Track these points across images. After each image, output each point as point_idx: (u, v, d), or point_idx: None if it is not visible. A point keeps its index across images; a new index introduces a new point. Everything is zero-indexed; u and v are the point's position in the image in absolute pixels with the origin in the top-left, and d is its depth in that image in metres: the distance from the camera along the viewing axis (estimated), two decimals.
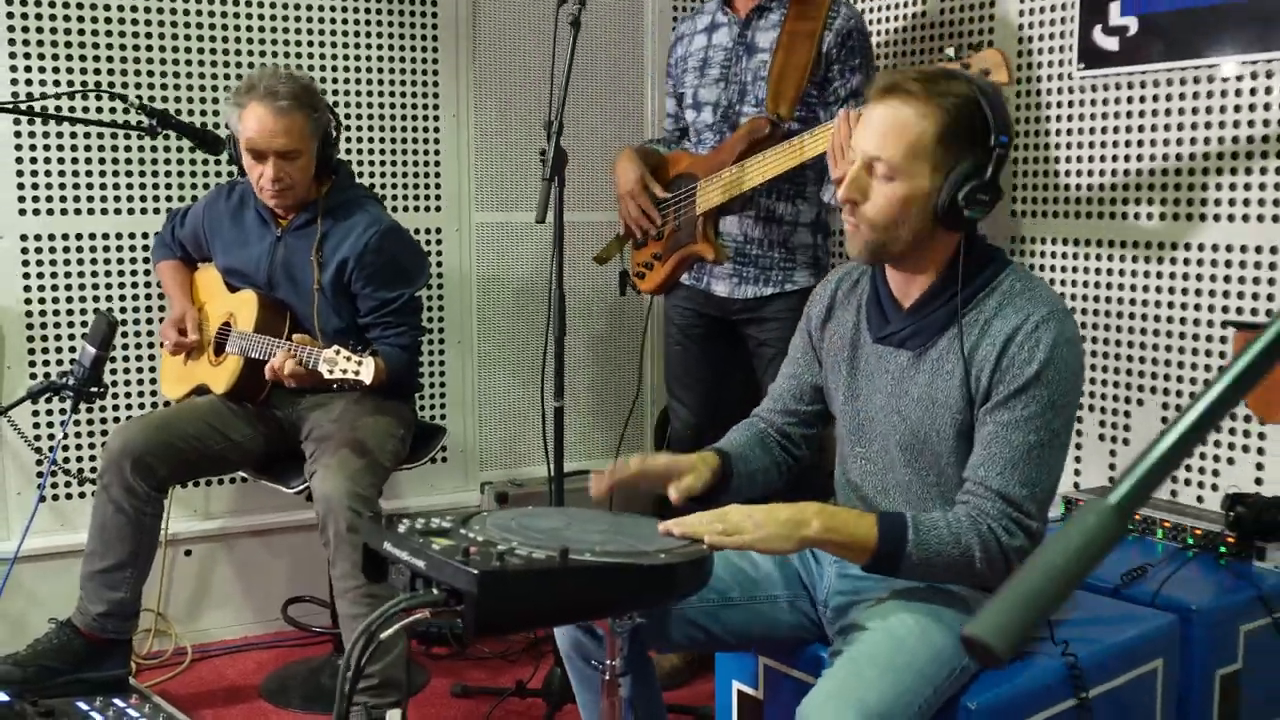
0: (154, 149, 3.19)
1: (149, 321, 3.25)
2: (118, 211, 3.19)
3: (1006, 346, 1.74)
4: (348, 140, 3.43)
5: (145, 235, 3.22)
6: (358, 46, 3.43)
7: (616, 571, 1.49)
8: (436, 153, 3.58)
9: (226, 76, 3.25)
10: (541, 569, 1.45)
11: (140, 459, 2.71)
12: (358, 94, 3.44)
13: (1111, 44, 2.85)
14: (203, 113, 3.23)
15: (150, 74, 3.18)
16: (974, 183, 1.75)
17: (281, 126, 2.71)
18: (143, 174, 3.20)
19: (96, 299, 3.18)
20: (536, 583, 1.45)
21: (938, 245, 1.83)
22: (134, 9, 3.15)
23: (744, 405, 3.21)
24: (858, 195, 1.79)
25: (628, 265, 3.23)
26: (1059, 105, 2.99)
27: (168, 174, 3.23)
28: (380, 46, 3.46)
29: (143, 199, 3.21)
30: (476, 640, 3.21)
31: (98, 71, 3.12)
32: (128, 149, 3.17)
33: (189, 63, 3.22)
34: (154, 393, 3.26)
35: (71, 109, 3.09)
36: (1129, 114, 2.84)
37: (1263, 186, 2.59)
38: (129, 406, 3.24)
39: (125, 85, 3.15)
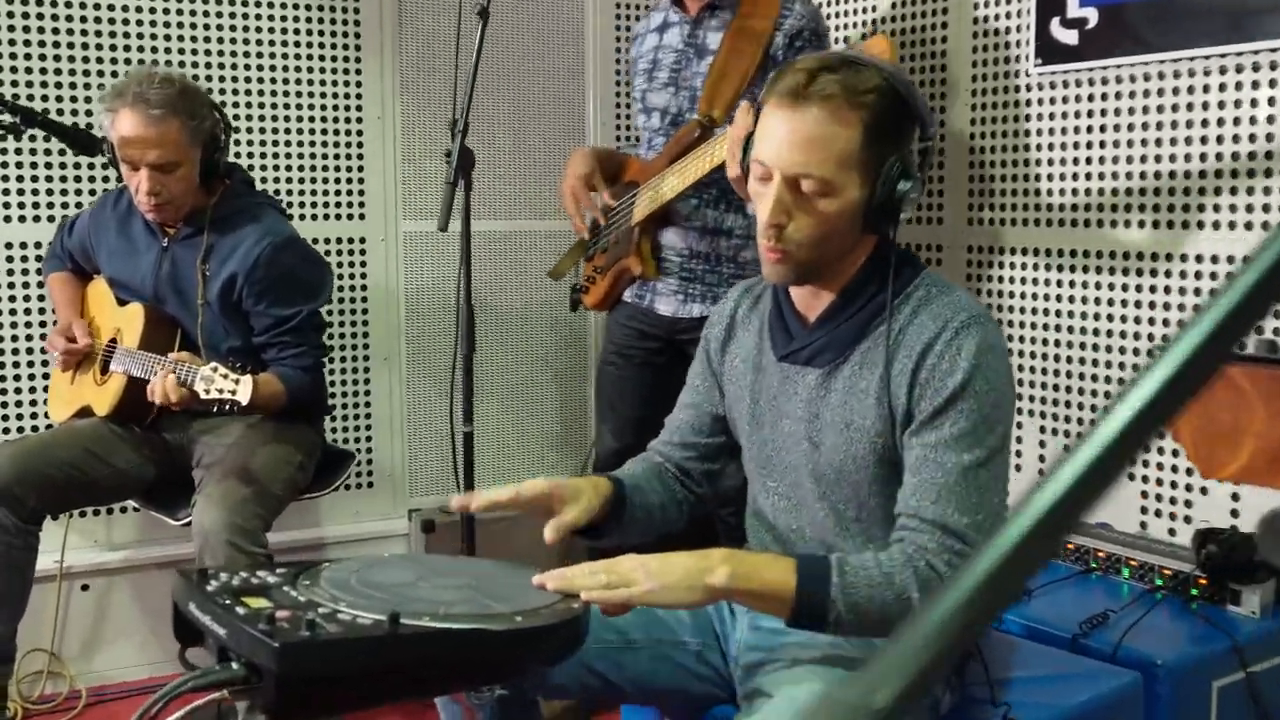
0: (33, 152, 2.95)
1: (28, 339, 3.00)
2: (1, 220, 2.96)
3: (924, 357, 1.54)
4: (260, 144, 3.19)
5: (24, 245, 2.98)
6: (271, 43, 3.20)
7: (458, 639, 1.26)
8: (360, 157, 3.34)
9: (114, 76, 3.00)
10: (362, 638, 1.21)
11: (7, 489, 2.47)
12: (271, 93, 3.21)
13: (1070, 38, 2.64)
14: (87, 112, 2.98)
15: (16, 69, 2.92)
16: (907, 182, 1.55)
17: (154, 136, 2.47)
18: (20, 179, 2.96)
19: None
20: (355, 655, 1.21)
21: (853, 254, 1.62)
22: None
23: None
24: (784, 218, 1.56)
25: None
26: (1015, 105, 2.77)
27: (49, 179, 2.99)
28: (297, 43, 3.23)
29: (21, 205, 2.97)
30: None
31: None
32: (3, 151, 2.93)
33: (73, 60, 2.98)
34: (34, 415, 3.01)
35: None
36: (1090, 113, 2.62)
37: (1235, 191, 2.37)
38: (5, 430, 3.00)
39: None
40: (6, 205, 2.95)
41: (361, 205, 3.36)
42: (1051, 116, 2.70)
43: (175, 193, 2.55)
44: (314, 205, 3.28)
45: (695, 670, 1.71)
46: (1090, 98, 2.61)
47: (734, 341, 1.80)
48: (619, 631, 1.66)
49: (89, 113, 2.96)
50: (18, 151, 2.93)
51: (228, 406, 2.31)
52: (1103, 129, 2.60)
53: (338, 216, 3.32)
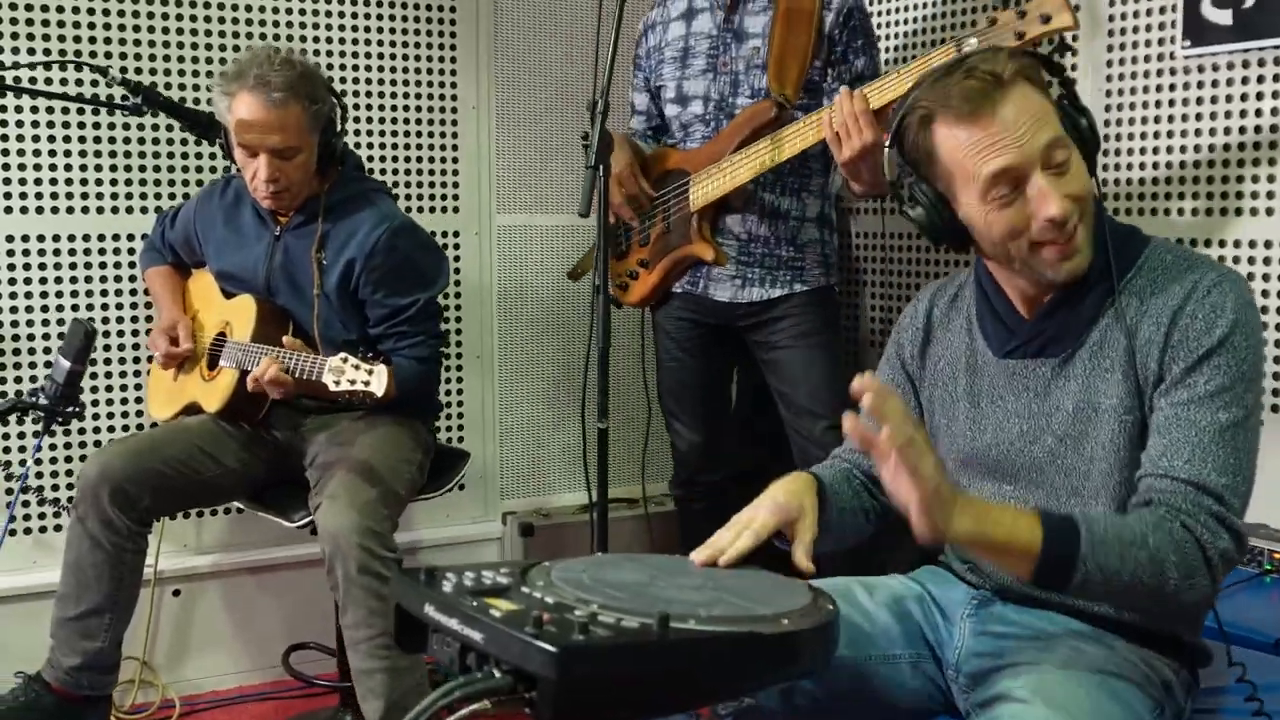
0: (140, 140, 2.85)
1: (134, 333, 2.90)
2: (100, 210, 2.84)
3: (1176, 319, 1.45)
4: (355, 134, 3.09)
5: (130, 237, 2.87)
6: (367, 30, 3.10)
7: (729, 643, 1.14)
8: (454, 148, 3.24)
9: (224, 55, 2.90)
10: (637, 643, 1.10)
11: (120, 488, 2.36)
12: (366, 81, 3.10)
13: (1224, 17, 2.52)
14: (195, 90, 2.88)
15: (137, 44, 2.83)
16: (1088, 137, 1.53)
17: (276, 121, 2.37)
18: (128, 168, 2.86)
19: (76, 309, 2.83)
20: (630, 659, 1.10)
21: None
22: None
23: (753, 419, 2.89)
24: (1068, 203, 1.47)
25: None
26: (1159, 89, 2.65)
27: (156, 168, 2.88)
28: (393, 30, 3.13)
29: (128, 196, 2.87)
30: None
31: (78, 46, 2.77)
32: (112, 139, 2.83)
33: (180, 35, 2.87)
34: (139, 413, 2.91)
35: (37, 80, 2.72)
36: (1245, 97, 2.50)
37: None
38: (110, 429, 2.89)
39: (108, 56, 2.79)
40: (114, 196, 2.84)
41: (455, 198, 3.25)
42: (1199, 101, 2.59)
43: (294, 179, 2.44)
44: (406, 198, 3.17)
45: (908, 683, 1.60)
46: (1245, 81, 2.50)
47: (934, 344, 1.70)
48: None
49: (196, 100, 2.86)
50: (110, 140, 2.83)
51: (360, 399, 2.20)
52: (1257, 114, 2.49)
53: (431, 209, 3.22)
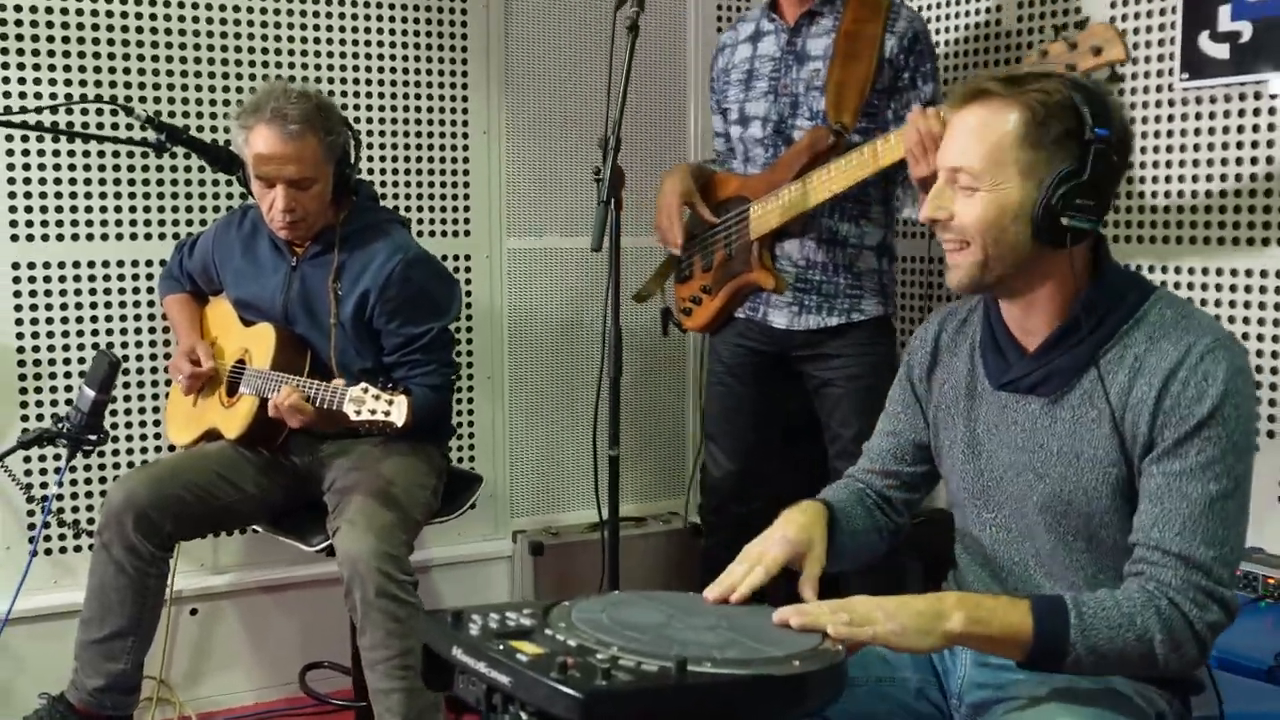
0: (160, 168, 2.91)
1: (154, 359, 2.96)
2: (119, 237, 2.91)
3: (1168, 384, 1.49)
4: (368, 160, 3.15)
5: (150, 264, 2.93)
6: (380, 59, 3.16)
7: (745, 686, 1.20)
8: (465, 173, 3.30)
9: (240, 90, 2.97)
10: (656, 687, 1.16)
11: (144, 514, 2.42)
12: (380, 109, 3.16)
13: (1221, 51, 2.58)
14: (214, 129, 2.94)
15: (158, 86, 2.90)
16: (1070, 185, 1.50)
17: (292, 152, 2.43)
18: (147, 196, 2.92)
19: (96, 335, 2.89)
20: (652, 703, 1.16)
21: (1053, 271, 1.57)
22: (140, 15, 2.87)
23: (797, 453, 2.87)
24: (940, 212, 1.57)
25: (670, 302, 2.96)
26: (1158, 120, 2.71)
27: (175, 195, 2.94)
28: (405, 59, 3.19)
29: (147, 224, 2.93)
30: None
31: (99, 84, 2.84)
32: (131, 168, 2.89)
33: (200, 74, 2.94)
34: (158, 437, 2.96)
35: (70, 124, 2.80)
36: (1241, 129, 2.56)
37: None
38: (130, 453, 2.95)
39: (130, 98, 2.86)
40: (134, 224, 2.91)
41: (467, 222, 3.31)
42: (1197, 133, 2.64)
43: (310, 210, 2.50)
44: (418, 222, 3.23)
45: (914, 707, 1.66)
46: (1243, 114, 2.56)
47: (941, 367, 1.75)
48: None
49: (215, 135, 2.92)
50: (130, 169, 2.89)
51: (380, 429, 2.25)
52: (1253, 145, 2.54)
53: (443, 234, 3.28)
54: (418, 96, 3.21)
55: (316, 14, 3.07)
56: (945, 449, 1.73)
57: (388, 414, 2.24)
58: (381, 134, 3.17)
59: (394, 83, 3.18)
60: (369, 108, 3.15)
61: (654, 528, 3.39)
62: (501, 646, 1.23)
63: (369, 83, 3.15)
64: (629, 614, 1.39)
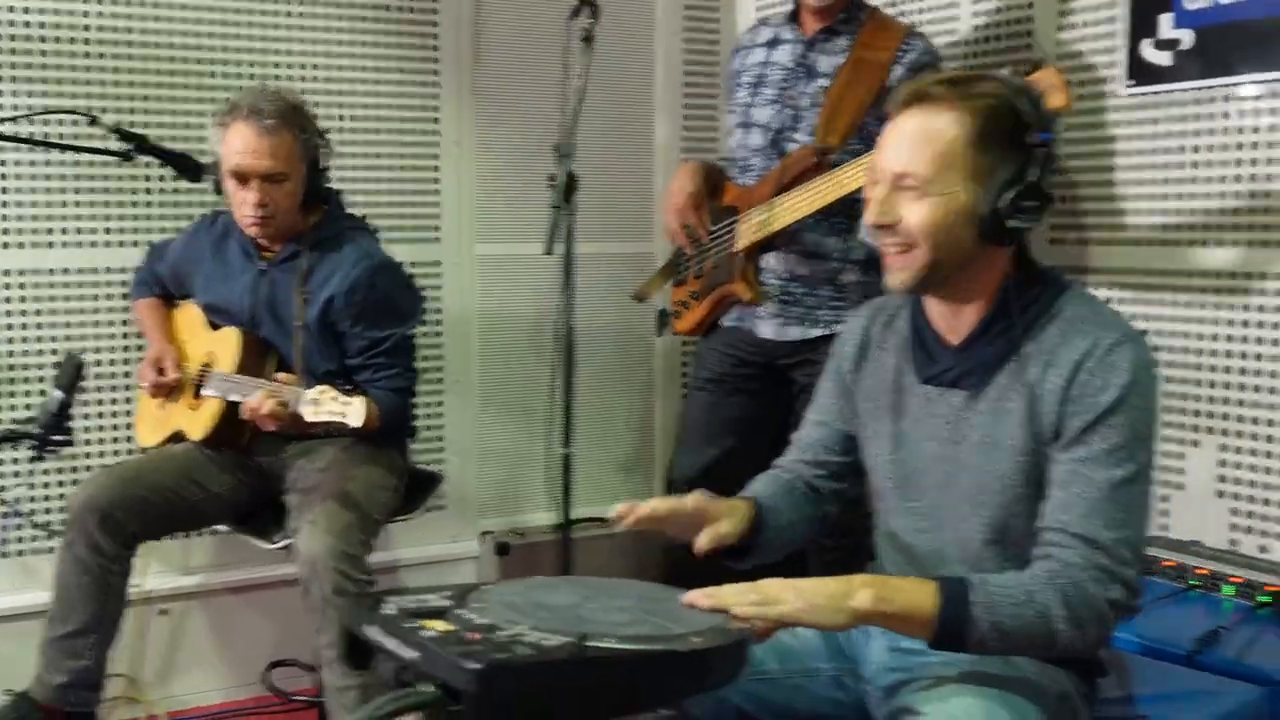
0: (130, 177, 2.97)
1: (126, 364, 3.01)
2: (91, 244, 2.96)
3: (1076, 374, 1.54)
4: (339, 168, 3.20)
5: (121, 270, 2.99)
6: (351, 68, 3.22)
7: (644, 661, 1.25)
8: (435, 180, 3.36)
9: (209, 100, 3.02)
10: (555, 660, 1.21)
11: (108, 514, 2.47)
12: (352, 117, 3.23)
13: (1164, 58, 2.64)
14: (184, 139, 3.00)
15: (125, 97, 2.96)
16: (1017, 188, 1.55)
17: (267, 147, 2.51)
18: (119, 204, 2.98)
19: (69, 340, 2.95)
20: (549, 677, 1.21)
21: (985, 269, 1.62)
22: (106, 26, 2.93)
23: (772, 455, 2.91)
24: (887, 218, 1.60)
25: (667, 304, 3.01)
26: (1107, 126, 2.77)
27: (146, 204, 3.01)
28: (376, 68, 3.25)
29: (119, 230, 2.99)
30: None
31: (65, 95, 2.89)
32: (103, 177, 2.95)
33: (168, 85, 3.00)
34: (129, 439, 3.02)
35: (35, 134, 2.85)
36: (1184, 134, 2.62)
37: None
38: (101, 455, 3.00)
39: (94, 109, 2.91)
40: (105, 231, 2.97)
41: (436, 228, 3.37)
42: (1141, 138, 2.70)
43: (281, 207, 2.57)
44: (389, 228, 3.28)
45: (832, 696, 1.71)
46: (1184, 119, 2.61)
47: (869, 361, 1.80)
48: (754, 662, 1.65)
49: (181, 139, 2.98)
50: (98, 178, 2.95)
51: (336, 430, 2.31)
52: (1196, 150, 2.60)
53: (413, 240, 3.33)
54: (389, 106, 3.27)
55: (289, 26, 3.13)
56: (870, 440, 1.78)
57: (344, 415, 2.29)
58: (355, 143, 3.23)
59: (366, 90, 3.24)
60: (342, 117, 3.21)
61: (620, 528, 3.42)
62: (410, 625, 1.28)
63: (341, 93, 3.21)
64: (546, 595, 1.44)
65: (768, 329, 2.75)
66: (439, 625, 1.29)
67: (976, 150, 1.56)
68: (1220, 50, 2.54)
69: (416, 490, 2.80)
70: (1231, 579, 2.30)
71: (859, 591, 1.45)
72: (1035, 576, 1.49)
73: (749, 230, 2.68)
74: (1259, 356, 2.49)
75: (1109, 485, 1.50)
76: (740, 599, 1.43)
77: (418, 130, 3.31)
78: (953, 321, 1.67)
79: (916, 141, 1.58)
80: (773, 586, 1.45)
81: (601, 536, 3.36)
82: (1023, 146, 1.57)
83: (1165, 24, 2.63)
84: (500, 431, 3.50)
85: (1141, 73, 2.69)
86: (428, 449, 3.38)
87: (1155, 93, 2.67)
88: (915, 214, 1.58)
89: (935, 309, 1.69)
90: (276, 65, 3.12)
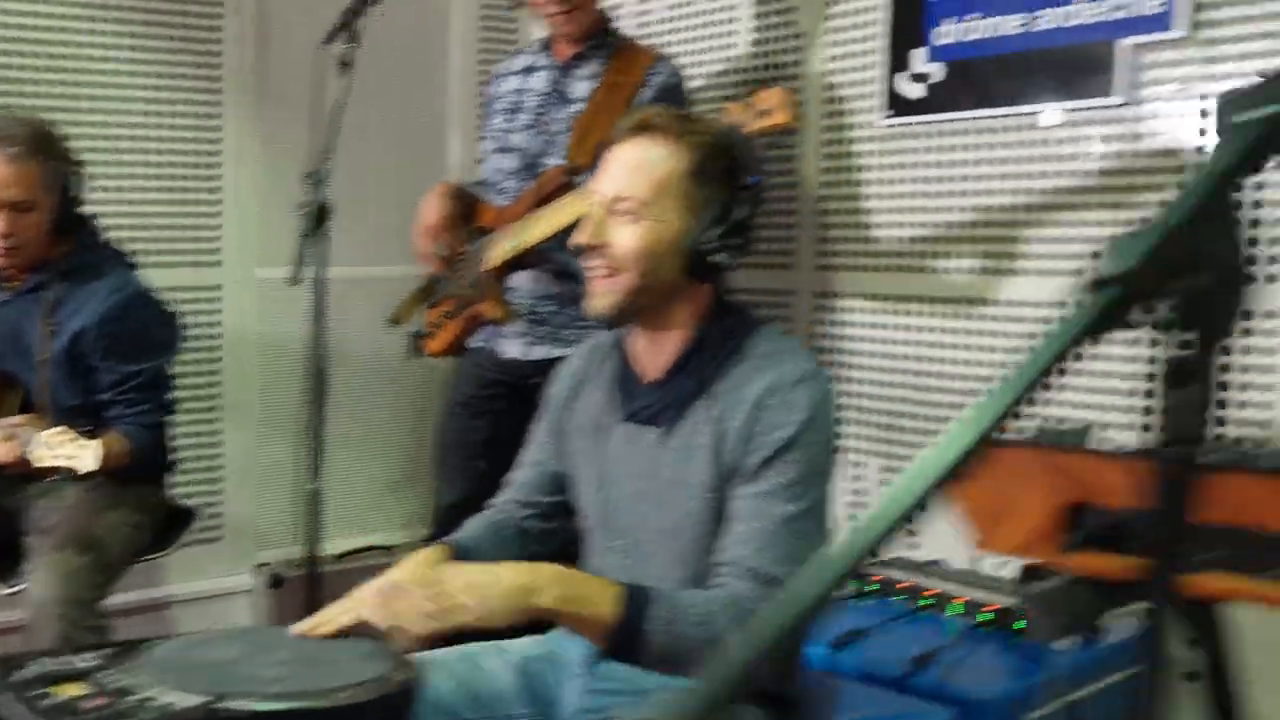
0: None
1: None
2: None
3: (758, 411, 1.56)
4: (116, 190, 3.09)
5: None
6: (128, 85, 3.10)
7: (281, 719, 1.22)
8: (217, 202, 3.26)
9: None
10: None
11: None
12: (130, 137, 3.12)
13: (918, 91, 2.72)
14: None
15: None
16: (724, 225, 1.60)
17: (11, 176, 2.39)
18: None
19: None
20: None
21: (686, 304, 1.64)
22: None
23: None
24: (598, 239, 1.61)
25: (422, 325, 2.97)
26: (865, 155, 2.84)
27: None
28: (156, 87, 3.14)
29: None
30: None
31: None
32: None
33: None
34: None
35: None
36: (938, 163, 2.70)
37: (1048, 239, 2.49)
38: None
39: None
40: None
41: (216, 251, 3.27)
42: (900, 167, 2.78)
43: (27, 237, 2.46)
44: (167, 252, 3.18)
45: None
46: (938, 149, 2.70)
47: (580, 400, 1.79)
48: (449, 714, 1.63)
49: None
50: None
51: (67, 474, 2.22)
52: (949, 179, 2.69)
53: (191, 263, 3.23)
54: (170, 127, 3.17)
55: (64, 42, 3.02)
56: (579, 480, 1.77)
57: (75, 459, 2.20)
58: (132, 164, 3.12)
59: (144, 112, 3.13)
60: (118, 137, 3.10)
61: (402, 556, 3.37)
62: (38, 692, 1.22)
63: (115, 111, 3.10)
64: (205, 652, 1.39)
65: (514, 348, 2.76)
66: (72, 690, 1.23)
67: (692, 183, 1.59)
68: (967, 83, 2.63)
69: (171, 527, 2.70)
70: (957, 599, 2.33)
71: (546, 589, 1.44)
72: (713, 600, 1.50)
73: (499, 250, 2.68)
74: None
75: (782, 520, 1.52)
76: (417, 611, 1.41)
77: (198, 151, 3.22)
78: (654, 356, 1.68)
79: (637, 168, 1.60)
80: (451, 586, 1.44)
81: (384, 565, 3.29)
82: (735, 187, 1.61)
83: (919, 58, 2.71)
84: (280, 461, 3.41)
85: (897, 104, 2.77)
86: (205, 478, 3.27)
87: (908, 124, 2.75)
88: (626, 238, 1.59)
89: (639, 344, 1.70)
90: (39, 85, 2.99)
